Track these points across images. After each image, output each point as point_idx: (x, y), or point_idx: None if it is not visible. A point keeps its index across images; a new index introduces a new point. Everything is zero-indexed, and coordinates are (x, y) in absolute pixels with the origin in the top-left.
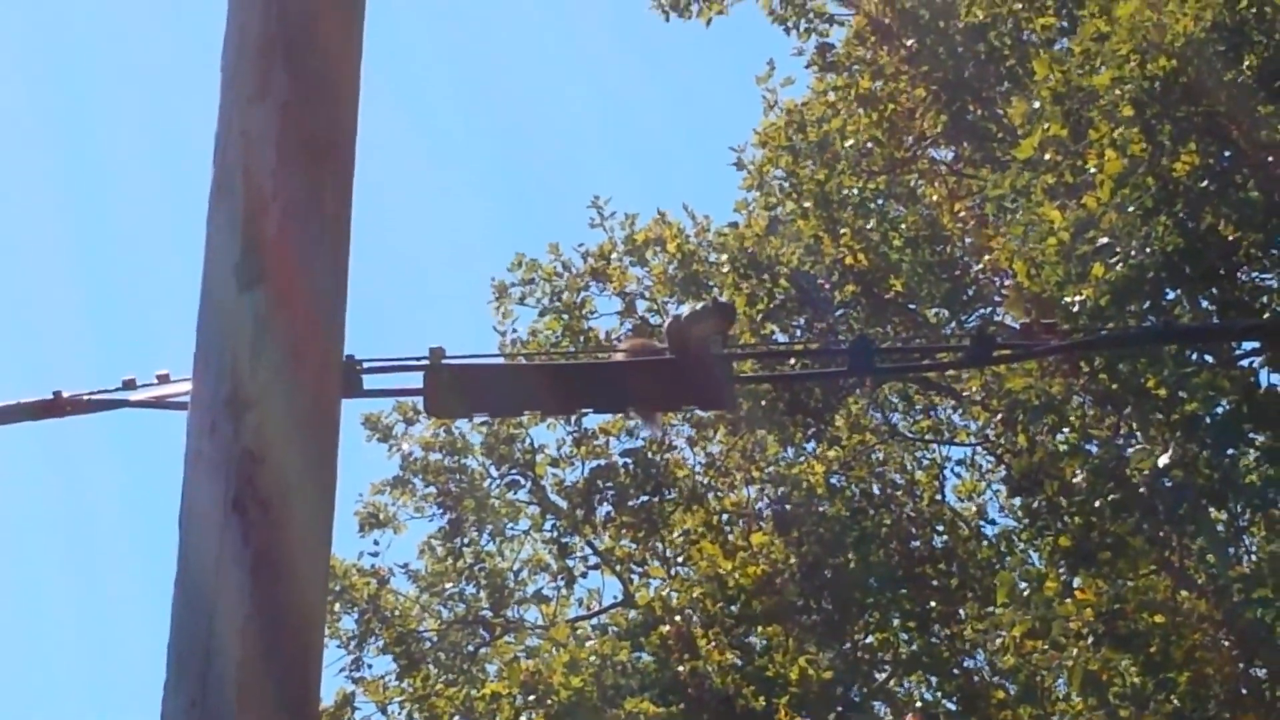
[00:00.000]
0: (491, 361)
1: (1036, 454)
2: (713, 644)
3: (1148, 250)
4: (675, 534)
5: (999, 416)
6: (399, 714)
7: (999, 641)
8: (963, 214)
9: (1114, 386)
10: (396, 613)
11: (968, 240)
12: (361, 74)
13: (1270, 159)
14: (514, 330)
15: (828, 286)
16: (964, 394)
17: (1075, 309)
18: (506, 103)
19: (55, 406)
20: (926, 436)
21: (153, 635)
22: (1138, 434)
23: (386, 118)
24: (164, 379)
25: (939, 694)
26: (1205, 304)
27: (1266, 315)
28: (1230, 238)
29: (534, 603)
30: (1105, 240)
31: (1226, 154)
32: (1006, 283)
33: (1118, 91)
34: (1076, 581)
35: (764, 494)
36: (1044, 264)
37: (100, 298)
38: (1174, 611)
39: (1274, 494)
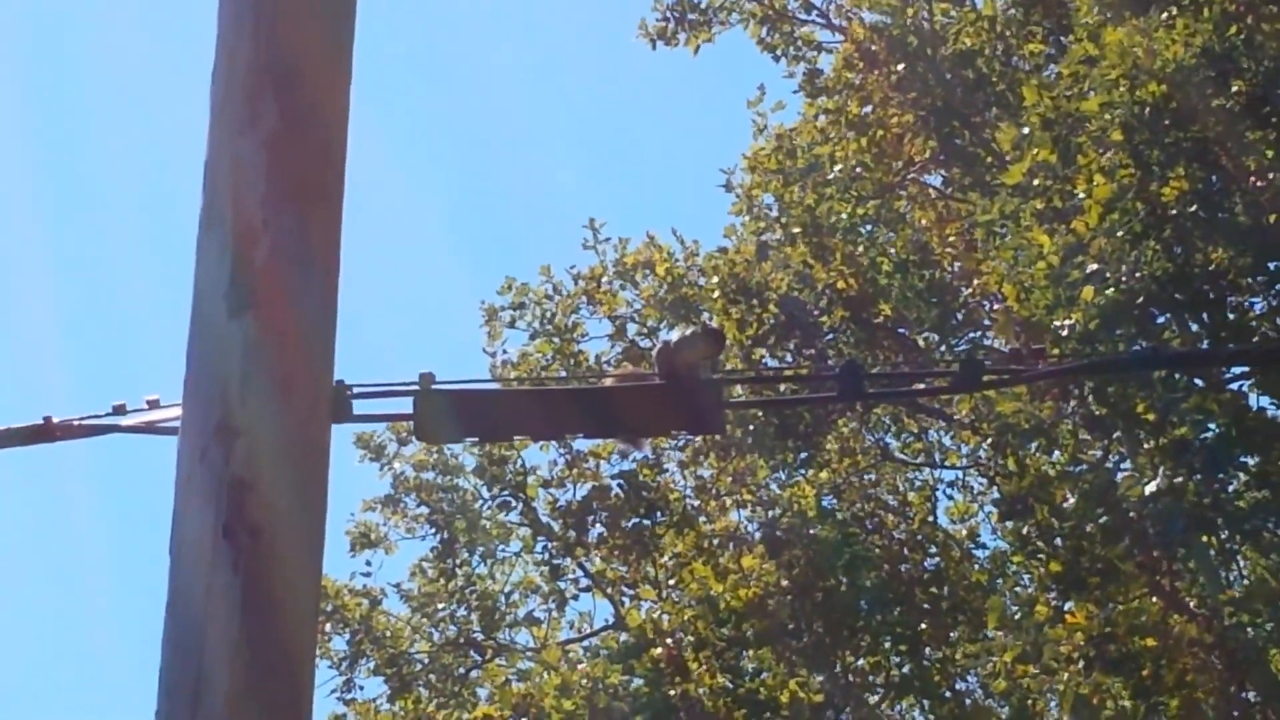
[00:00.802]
0: (482, 386)
1: (1026, 478)
2: (704, 667)
3: (1137, 275)
4: (666, 557)
5: (989, 440)
6: None
7: (990, 665)
8: (952, 239)
9: (1103, 411)
10: (388, 634)
11: (957, 265)
12: (351, 103)
13: (1258, 184)
14: (504, 351)
15: (817, 312)
16: (954, 417)
17: (1065, 333)
18: (497, 127)
19: (46, 432)
20: (918, 459)
21: (143, 663)
22: (1127, 458)
23: (377, 143)
24: (154, 404)
25: (931, 717)
26: (1194, 329)
27: (1255, 340)
28: (1219, 263)
29: (525, 625)
30: (1095, 266)
31: (1215, 179)
32: (996, 307)
33: (1107, 117)
34: (1068, 605)
35: (755, 517)
36: (1033, 288)
37: (91, 323)
38: (1165, 635)
39: (1263, 518)
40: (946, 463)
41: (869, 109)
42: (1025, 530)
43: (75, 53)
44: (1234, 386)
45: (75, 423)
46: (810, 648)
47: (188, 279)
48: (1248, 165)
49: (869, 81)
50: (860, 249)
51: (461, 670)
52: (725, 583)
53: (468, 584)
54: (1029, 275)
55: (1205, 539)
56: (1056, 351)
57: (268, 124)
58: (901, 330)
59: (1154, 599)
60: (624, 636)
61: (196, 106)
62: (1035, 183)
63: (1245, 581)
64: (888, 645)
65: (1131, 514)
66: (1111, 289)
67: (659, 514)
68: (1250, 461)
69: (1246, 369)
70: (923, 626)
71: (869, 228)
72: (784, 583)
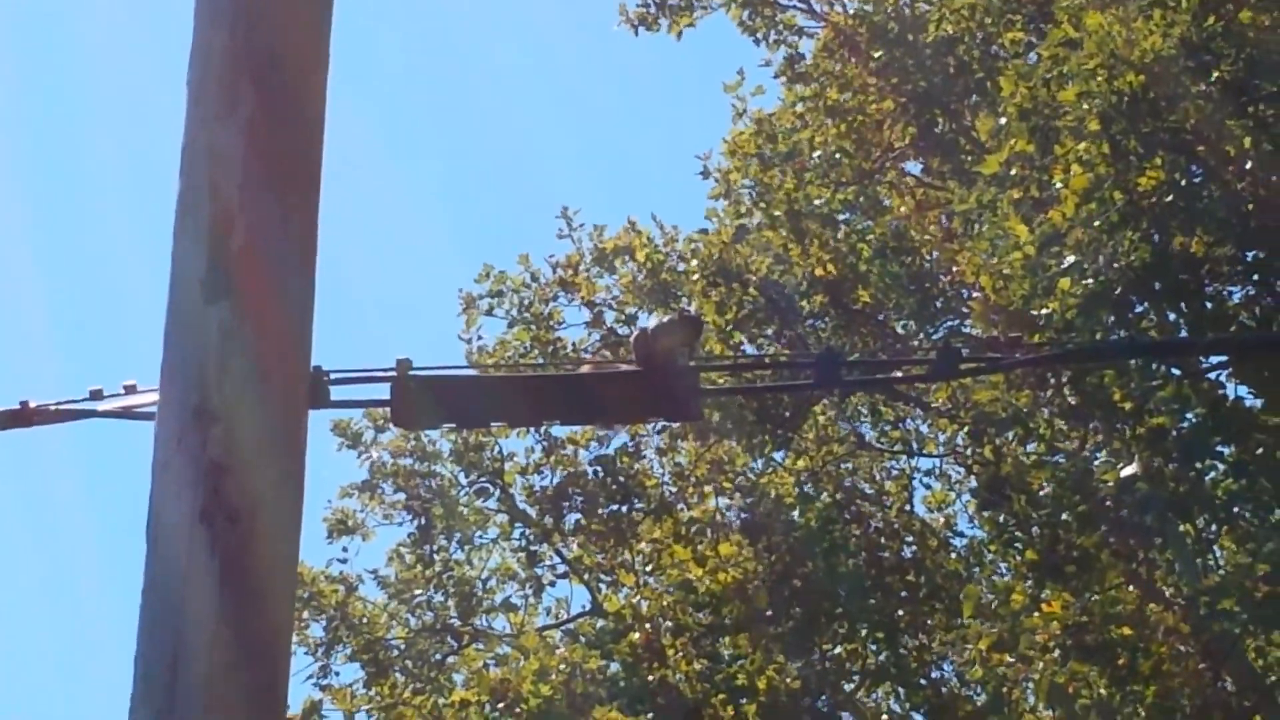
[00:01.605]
0: (459, 373)
1: (1003, 466)
2: (681, 653)
3: (1114, 265)
4: (644, 544)
5: (965, 429)
6: None
7: (967, 653)
8: (931, 227)
9: (1080, 399)
10: (365, 620)
11: (935, 253)
12: (329, 89)
13: (1236, 173)
14: (480, 338)
15: (796, 296)
16: (931, 405)
17: (1042, 322)
18: (475, 113)
19: (22, 416)
20: (895, 447)
21: (120, 647)
22: (1105, 447)
23: (353, 128)
24: (131, 389)
25: (907, 705)
26: (1172, 318)
27: (1233, 329)
28: (1197, 252)
29: (502, 611)
30: (1072, 258)
31: (1193, 169)
32: (974, 295)
33: (1085, 107)
34: (1044, 594)
35: (734, 504)
36: (1011, 278)
37: (68, 307)
38: (1141, 624)
39: (1241, 507)
40: (924, 451)
41: (848, 95)
42: (1002, 519)
43: (53, 39)
44: (1212, 376)
45: (52, 407)
46: (788, 634)
47: (166, 265)
48: (1226, 154)
49: (848, 68)
50: (840, 234)
51: (438, 656)
52: (704, 567)
53: (445, 570)
54: (1006, 265)
55: (1182, 528)
56: (1035, 339)
57: (245, 110)
58: (880, 317)
59: (1130, 588)
60: (601, 622)
61: (176, 92)
62: (1013, 173)
63: (1222, 571)
64: (864, 633)
65: (1108, 502)
66: (1090, 279)
67: (636, 500)
68: (1227, 450)
69: (1224, 358)
70: (900, 614)
71: (848, 215)
72: (761, 569)
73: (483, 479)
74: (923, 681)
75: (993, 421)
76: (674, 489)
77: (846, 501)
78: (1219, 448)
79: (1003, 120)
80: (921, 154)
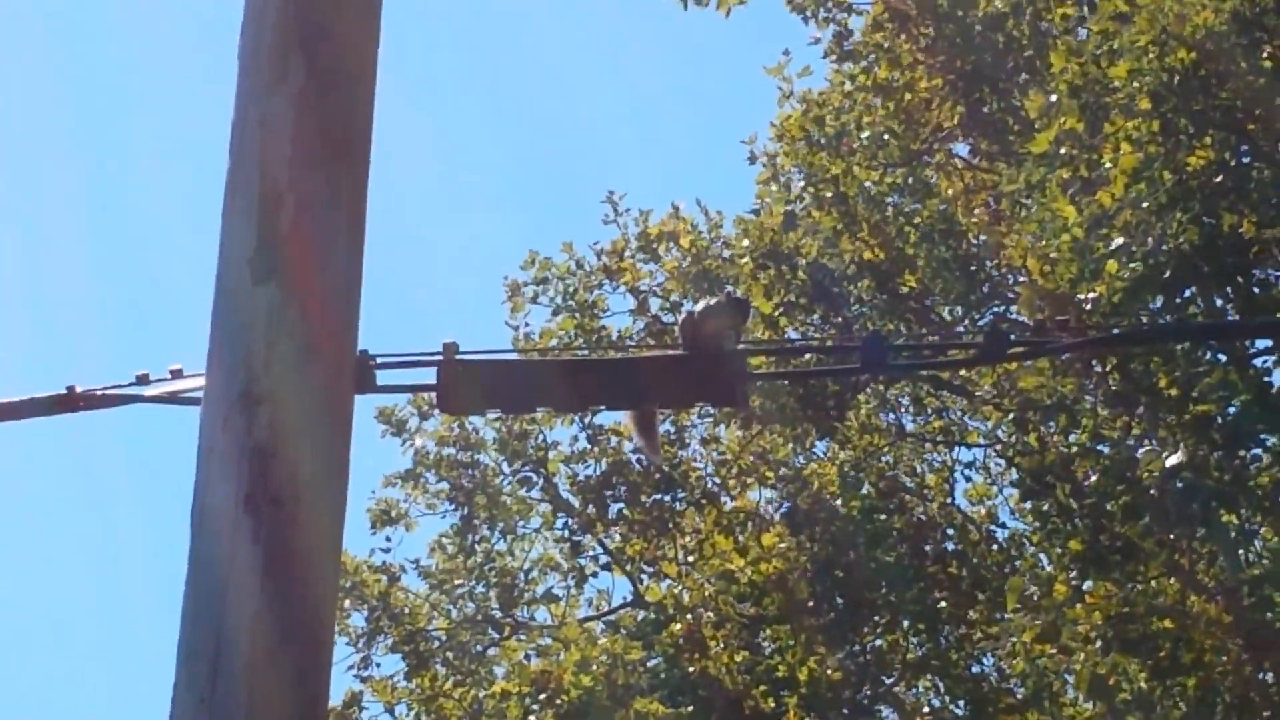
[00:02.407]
0: (505, 357)
1: (1048, 455)
2: (722, 645)
3: (1163, 247)
4: (686, 535)
5: (1010, 416)
6: (407, 715)
7: (1009, 646)
8: (978, 210)
9: (1126, 386)
10: (406, 611)
11: (982, 237)
12: (379, 65)
13: None
14: (526, 325)
15: (844, 280)
16: (975, 393)
17: (1089, 306)
18: (522, 96)
19: (69, 401)
20: (937, 438)
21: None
22: (1150, 434)
23: (402, 110)
24: (177, 374)
25: (948, 697)
26: (1220, 302)
27: None
28: (1247, 234)
29: (544, 603)
30: (1120, 240)
31: (1244, 148)
32: (1021, 280)
33: (1135, 84)
34: (1087, 585)
35: (778, 494)
36: (1058, 261)
37: (115, 292)
38: (1183, 615)
39: None
40: (965, 441)
41: (896, 73)
42: (1045, 508)
43: (104, 18)
44: (1258, 362)
45: (98, 392)
46: (829, 625)
47: (213, 245)
48: (1276, 133)
49: (898, 45)
50: (888, 216)
51: (479, 647)
52: (746, 557)
53: (487, 560)
54: (1054, 248)
55: (1225, 517)
56: (1082, 324)
57: (295, 83)
58: (927, 302)
59: (1172, 579)
60: (643, 614)
61: (225, 68)
62: (1062, 151)
63: (1264, 561)
64: (906, 625)
65: (1152, 491)
66: (1137, 262)
67: (679, 491)
68: (1272, 439)
69: (1270, 344)
70: (941, 605)
71: (895, 198)
72: (803, 559)
73: (526, 468)
74: (964, 674)
75: (1038, 408)
76: (717, 479)
77: (889, 491)
78: (1263, 435)
79: (1053, 98)
80: (970, 134)
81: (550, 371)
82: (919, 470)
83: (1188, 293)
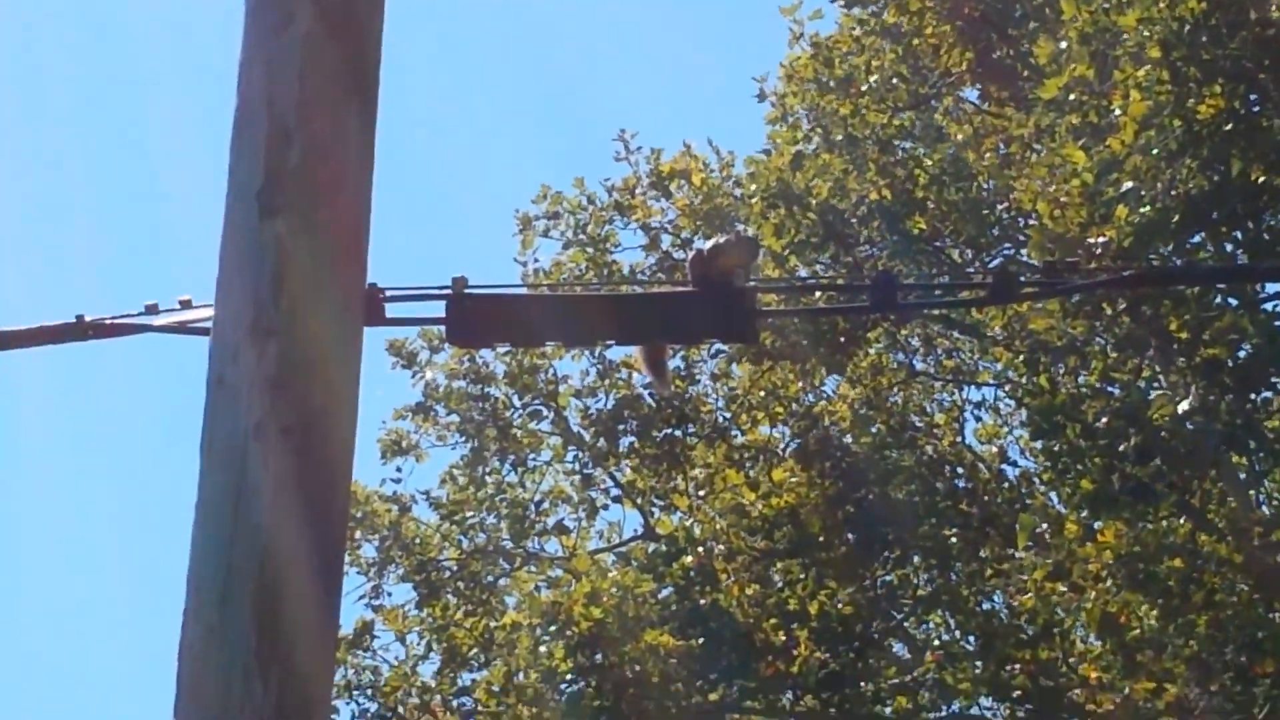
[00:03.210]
0: (515, 291)
1: (1058, 396)
2: (733, 578)
3: (1172, 193)
4: (697, 468)
5: (1020, 357)
6: (418, 644)
7: (1020, 583)
8: (988, 154)
9: (1137, 329)
10: (417, 541)
11: (992, 181)
12: (387, 4)
13: None
14: (535, 260)
15: (854, 221)
16: (986, 334)
17: (1098, 250)
18: (534, 33)
19: (78, 330)
20: (947, 378)
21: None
22: (1160, 377)
23: (411, 44)
24: (187, 304)
25: (958, 633)
26: (1229, 247)
27: None
28: (1256, 180)
29: (555, 534)
30: (1130, 184)
31: (1253, 97)
32: (1030, 223)
33: (1145, 32)
34: (1097, 524)
35: (788, 428)
36: (1068, 205)
37: (124, 222)
38: (1193, 555)
39: None
40: (976, 381)
41: (905, 18)
42: (1056, 448)
43: None
44: (1268, 306)
45: (107, 321)
46: (840, 560)
47: (223, 177)
48: None
49: None
50: (897, 159)
51: (490, 578)
52: (757, 492)
53: (498, 492)
54: (1064, 192)
55: (1236, 459)
56: (1091, 265)
57: (302, 23)
58: (937, 244)
59: (1182, 519)
60: (653, 546)
61: (235, 5)
62: (1071, 97)
63: (1275, 502)
64: (917, 560)
65: (1163, 433)
66: (1147, 207)
67: (690, 425)
68: None
69: None
70: (952, 541)
71: (905, 141)
72: (813, 494)
73: (537, 401)
74: (974, 610)
75: (1048, 349)
76: (728, 414)
77: (900, 427)
78: (1274, 379)
79: (1063, 45)
80: (979, 80)
81: (561, 306)
82: (929, 410)
83: (1197, 238)
